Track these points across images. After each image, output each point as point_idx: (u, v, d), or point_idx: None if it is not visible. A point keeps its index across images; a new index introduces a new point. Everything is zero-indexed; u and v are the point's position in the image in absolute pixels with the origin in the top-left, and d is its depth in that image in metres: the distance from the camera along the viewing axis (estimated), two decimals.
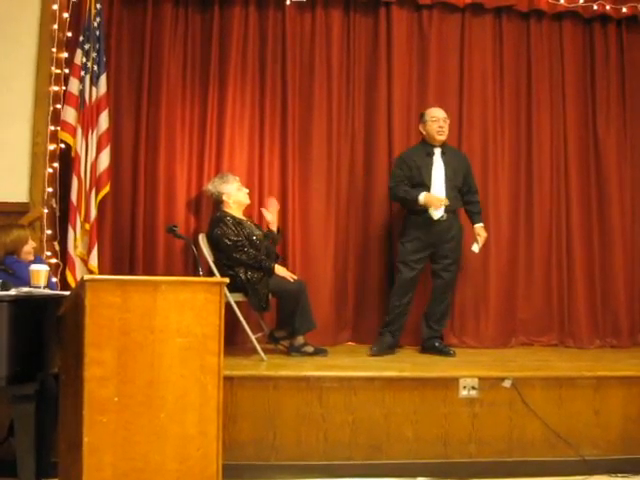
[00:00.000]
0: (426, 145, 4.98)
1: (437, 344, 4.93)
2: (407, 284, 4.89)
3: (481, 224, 5.02)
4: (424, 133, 4.99)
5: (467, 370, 4.24)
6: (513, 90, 5.64)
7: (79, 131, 4.78)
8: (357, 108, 5.53)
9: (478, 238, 4.97)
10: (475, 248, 4.98)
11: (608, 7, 5.57)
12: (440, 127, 4.92)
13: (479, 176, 5.37)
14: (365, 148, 5.53)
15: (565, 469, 4.02)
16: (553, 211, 5.61)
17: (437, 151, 4.94)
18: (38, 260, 3.96)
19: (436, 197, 4.78)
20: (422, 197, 4.76)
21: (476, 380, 4.06)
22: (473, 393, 4.04)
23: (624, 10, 5.58)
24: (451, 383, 4.05)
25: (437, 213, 4.79)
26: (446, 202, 4.77)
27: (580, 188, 5.64)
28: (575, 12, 5.62)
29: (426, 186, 4.83)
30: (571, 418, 4.09)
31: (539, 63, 5.65)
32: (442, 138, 4.94)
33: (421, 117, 5.04)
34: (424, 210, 4.80)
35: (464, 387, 4.04)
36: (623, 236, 5.64)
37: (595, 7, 5.57)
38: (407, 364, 4.49)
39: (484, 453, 4.04)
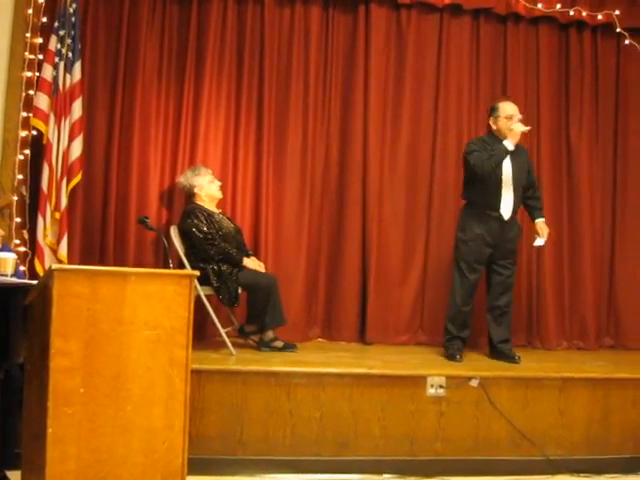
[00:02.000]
0: (497, 140, 4.71)
1: (507, 351, 4.76)
2: (471, 283, 4.75)
3: (543, 219, 4.85)
4: (494, 128, 4.75)
5: (435, 369, 4.27)
6: (488, 91, 5.68)
7: (51, 118, 4.72)
8: (333, 105, 5.53)
9: (540, 232, 4.78)
10: (540, 242, 4.82)
11: (584, 13, 5.64)
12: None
13: (454, 177, 5.42)
14: (340, 145, 5.53)
15: (529, 468, 4.07)
16: (524, 214, 5.65)
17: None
18: (6, 248, 3.90)
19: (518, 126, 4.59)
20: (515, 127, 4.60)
21: (444, 379, 4.09)
22: (440, 391, 4.07)
23: (599, 17, 5.65)
24: (419, 381, 4.07)
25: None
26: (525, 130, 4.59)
27: (551, 191, 5.69)
28: (552, 17, 5.67)
29: (497, 178, 4.65)
30: (536, 418, 4.14)
31: (515, 66, 5.70)
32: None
33: (492, 111, 4.78)
34: (489, 207, 4.68)
35: (432, 385, 4.06)
36: (592, 241, 5.72)
37: (571, 13, 5.63)
38: (376, 361, 4.50)
39: (450, 451, 4.07)
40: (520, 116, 4.74)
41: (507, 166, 4.70)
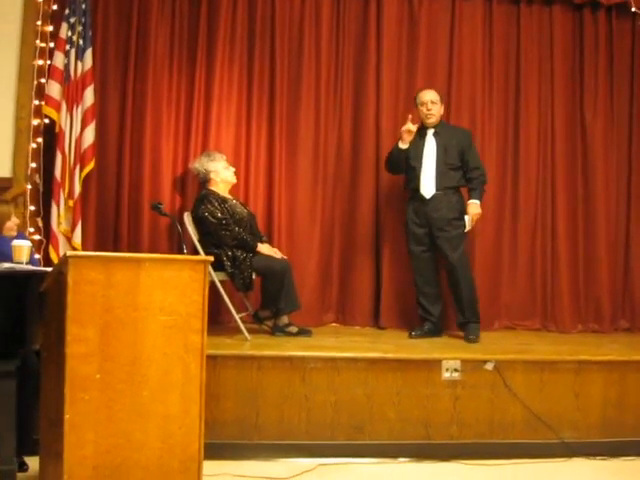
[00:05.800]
0: (422, 127, 4.96)
1: (466, 332, 4.84)
2: (417, 264, 4.97)
3: (474, 200, 4.86)
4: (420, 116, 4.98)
5: (450, 352, 4.26)
6: (502, 74, 5.63)
7: (64, 106, 4.73)
8: (345, 90, 5.50)
9: (466, 216, 4.86)
10: (466, 225, 4.87)
11: None
12: (428, 110, 4.90)
13: None
14: (353, 130, 5.51)
15: (545, 452, 4.06)
16: (539, 196, 5.63)
17: (430, 132, 4.94)
18: (21, 236, 3.91)
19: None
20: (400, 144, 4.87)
21: (459, 362, 4.08)
22: (455, 375, 4.06)
23: None
24: (434, 365, 4.07)
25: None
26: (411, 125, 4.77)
27: (566, 173, 5.66)
28: None
29: (414, 168, 4.87)
30: (552, 401, 4.13)
31: (528, 48, 5.64)
32: (431, 121, 4.93)
33: (414, 101, 5.03)
34: (414, 189, 4.86)
35: (447, 369, 4.06)
36: (607, 223, 5.67)
37: None
38: (391, 345, 4.50)
39: (465, 435, 4.07)
40: (436, 102, 4.92)
41: (430, 147, 4.89)
